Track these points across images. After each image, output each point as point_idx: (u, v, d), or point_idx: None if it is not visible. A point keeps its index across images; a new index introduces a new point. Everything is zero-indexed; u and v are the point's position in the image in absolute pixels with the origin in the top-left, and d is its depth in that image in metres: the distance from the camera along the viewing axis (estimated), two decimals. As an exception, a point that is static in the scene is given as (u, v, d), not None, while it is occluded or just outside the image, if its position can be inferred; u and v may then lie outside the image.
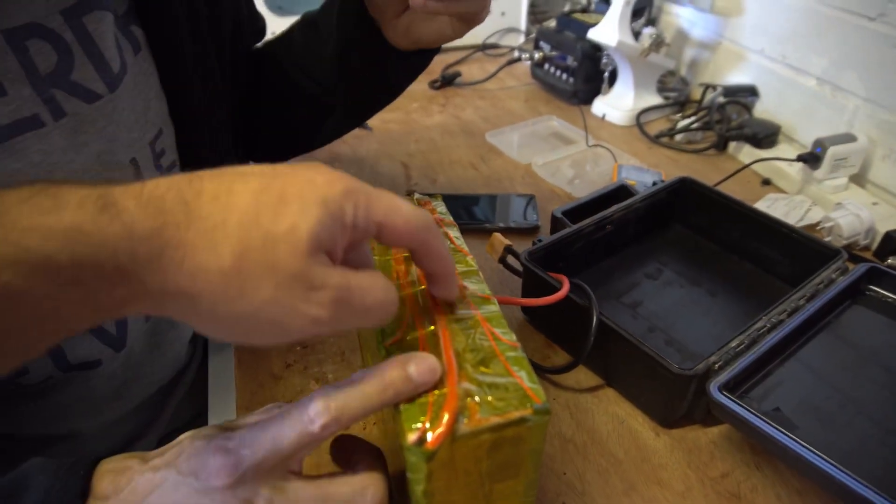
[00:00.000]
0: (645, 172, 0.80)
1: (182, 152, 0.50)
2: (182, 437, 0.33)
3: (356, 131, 0.94)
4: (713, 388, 0.44)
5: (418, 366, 0.31)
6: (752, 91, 0.92)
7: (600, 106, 0.99)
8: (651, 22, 1.00)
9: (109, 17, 0.42)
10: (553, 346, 0.58)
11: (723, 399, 0.43)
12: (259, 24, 0.64)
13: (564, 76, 1.02)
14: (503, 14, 1.22)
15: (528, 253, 0.56)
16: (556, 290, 0.51)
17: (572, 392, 0.54)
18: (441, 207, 0.46)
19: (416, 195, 0.47)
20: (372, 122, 0.95)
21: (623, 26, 0.90)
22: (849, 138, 0.75)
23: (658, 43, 0.93)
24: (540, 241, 0.58)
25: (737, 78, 0.96)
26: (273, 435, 0.30)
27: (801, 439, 0.40)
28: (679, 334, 0.56)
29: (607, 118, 0.98)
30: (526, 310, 0.61)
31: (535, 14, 1.30)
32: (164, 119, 0.48)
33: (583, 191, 0.77)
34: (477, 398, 0.31)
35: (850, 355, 0.51)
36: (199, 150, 0.51)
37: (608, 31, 0.90)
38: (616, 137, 0.93)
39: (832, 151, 0.74)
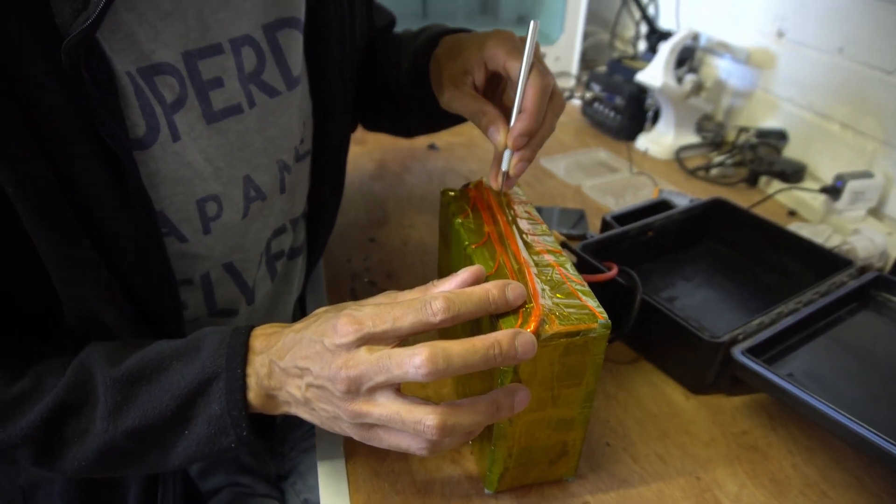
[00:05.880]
0: (683, 197, 0.90)
1: (316, 137, 0.61)
2: (318, 310, 0.44)
3: (426, 150, 1.06)
4: (737, 351, 0.54)
5: (513, 289, 0.41)
6: (782, 135, 1.03)
7: (643, 142, 1.10)
8: (693, 70, 1.11)
9: (296, 34, 0.53)
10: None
11: (744, 359, 0.53)
12: (387, 20, 0.75)
13: (612, 114, 1.14)
14: (557, 59, 1.35)
15: (582, 245, 0.67)
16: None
17: (614, 363, 0.63)
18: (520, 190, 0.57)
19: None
20: (439, 142, 1.08)
21: (668, 71, 1.02)
22: (867, 175, 0.85)
23: (698, 87, 1.04)
24: (592, 235, 0.68)
25: (768, 122, 1.06)
26: (395, 315, 0.38)
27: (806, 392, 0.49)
28: (709, 324, 0.65)
29: (649, 153, 1.09)
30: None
31: (585, 61, 1.44)
32: (307, 114, 0.59)
33: (627, 208, 0.87)
34: (556, 313, 0.41)
35: (853, 344, 0.60)
36: (327, 134, 0.61)
37: (654, 74, 1.02)
38: (656, 169, 1.04)
39: (851, 185, 0.83)
